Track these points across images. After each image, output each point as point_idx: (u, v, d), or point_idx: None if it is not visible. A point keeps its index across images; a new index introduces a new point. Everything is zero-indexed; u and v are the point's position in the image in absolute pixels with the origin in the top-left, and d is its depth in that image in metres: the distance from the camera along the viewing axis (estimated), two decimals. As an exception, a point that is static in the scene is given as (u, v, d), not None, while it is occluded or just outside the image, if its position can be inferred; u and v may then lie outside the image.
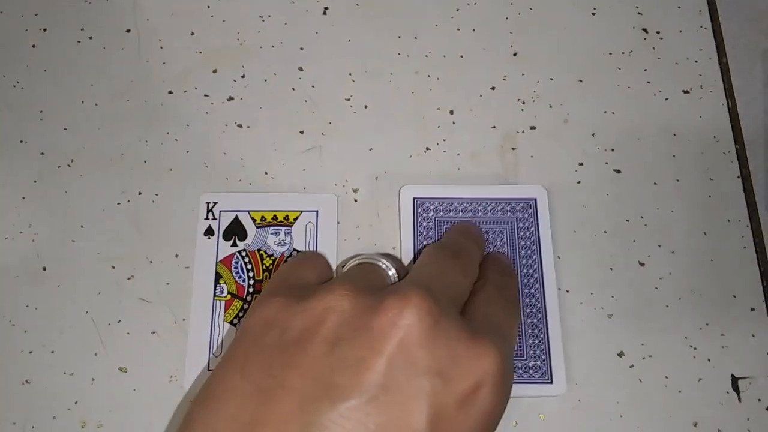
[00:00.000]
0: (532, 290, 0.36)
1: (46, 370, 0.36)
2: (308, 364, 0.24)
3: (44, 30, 0.44)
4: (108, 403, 0.36)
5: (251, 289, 0.38)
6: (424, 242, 0.37)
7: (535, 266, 0.36)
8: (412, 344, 0.24)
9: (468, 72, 0.43)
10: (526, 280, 0.36)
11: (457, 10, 0.45)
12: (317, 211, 0.40)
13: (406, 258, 0.37)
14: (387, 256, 0.34)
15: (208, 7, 0.45)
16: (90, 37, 0.44)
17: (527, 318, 0.36)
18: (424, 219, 0.37)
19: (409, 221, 0.37)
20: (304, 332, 0.25)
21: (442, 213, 0.38)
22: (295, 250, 0.39)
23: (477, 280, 0.32)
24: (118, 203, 0.40)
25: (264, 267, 0.39)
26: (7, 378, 0.36)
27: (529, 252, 0.37)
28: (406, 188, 0.38)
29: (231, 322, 0.37)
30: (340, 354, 0.24)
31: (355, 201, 0.40)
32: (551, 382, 0.35)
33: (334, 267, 0.38)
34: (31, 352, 0.37)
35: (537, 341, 0.35)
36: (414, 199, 0.38)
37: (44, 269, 0.38)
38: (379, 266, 0.32)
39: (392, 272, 0.33)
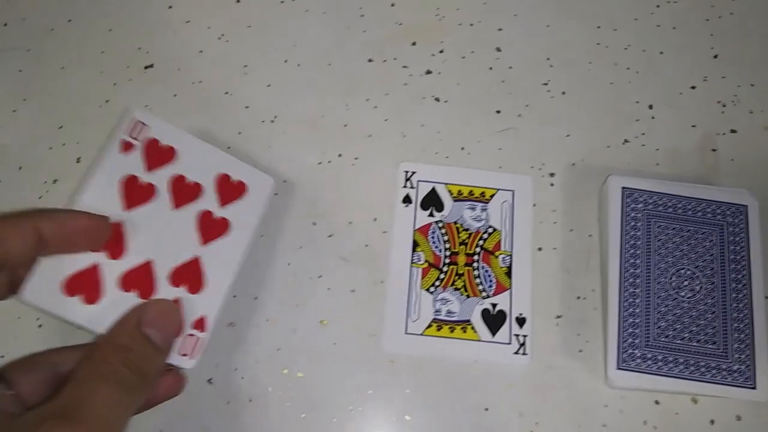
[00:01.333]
0: (740, 296, 0.36)
1: (250, 315, 0.37)
2: None
3: (249, -12, 0.45)
4: (308, 354, 0.37)
5: (447, 260, 0.39)
6: (632, 232, 0.37)
7: (744, 272, 0.36)
8: None
9: (667, 69, 0.43)
10: (734, 285, 0.36)
11: (657, 6, 0.45)
12: (513, 191, 0.40)
13: (614, 248, 0.37)
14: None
15: (409, -20, 0.46)
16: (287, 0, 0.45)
17: (734, 323, 0.35)
18: (632, 210, 0.37)
19: (617, 211, 0.37)
20: None
21: (651, 206, 0.38)
22: (490, 227, 0.40)
23: None
24: (319, 163, 0.41)
25: (460, 240, 0.39)
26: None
27: (738, 257, 0.37)
28: (614, 178, 0.38)
29: (428, 290, 0.38)
30: None
31: (552, 185, 0.40)
32: (755, 388, 0.35)
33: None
34: (235, 296, 0.38)
35: (742, 346, 0.35)
36: (623, 189, 0.38)
37: (254, 218, 0.39)
38: None
39: None
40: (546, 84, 0.43)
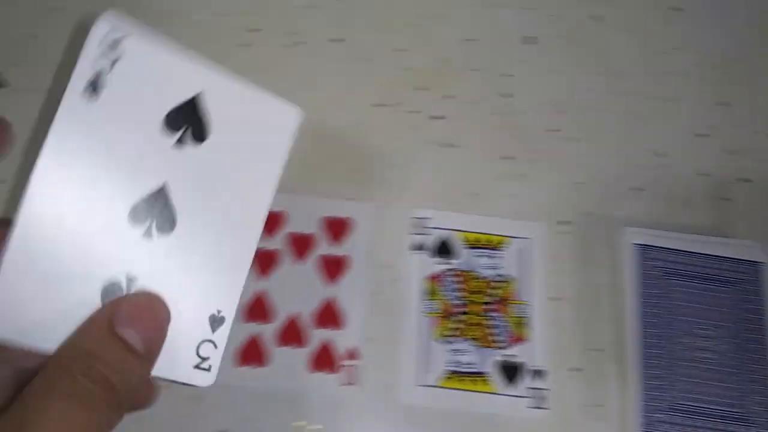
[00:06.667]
0: (756, 356, 0.35)
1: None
2: None
3: (257, 30, 0.45)
4: (324, 405, 0.35)
5: (460, 309, 0.38)
6: (650, 291, 0.36)
7: (761, 332, 0.36)
8: None
9: (677, 116, 0.43)
10: (752, 346, 0.35)
11: (664, 53, 0.45)
12: (527, 239, 0.40)
13: (632, 308, 0.36)
14: None
15: (416, 26, 0.46)
16: (302, 43, 0.45)
17: (753, 384, 0.35)
18: (650, 267, 0.37)
19: (634, 269, 0.37)
20: None
21: (668, 264, 0.37)
22: (504, 275, 0.39)
23: None
24: (328, 208, 0.40)
25: (473, 288, 0.38)
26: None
27: (754, 317, 0.36)
28: (629, 233, 0.38)
29: (441, 339, 0.37)
30: None
31: (564, 233, 0.40)
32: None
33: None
34: (242, 347, 0.36)
35: (762, 409, 0.34)
36: (639, 245, 0.37)
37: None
38: None
39: None
40: (557, 131, 0.43)
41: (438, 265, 0.39)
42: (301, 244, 0.39)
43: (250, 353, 0.36)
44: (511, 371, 0.36)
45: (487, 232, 0.40)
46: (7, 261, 0.20)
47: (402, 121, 0.43)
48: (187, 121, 0.23)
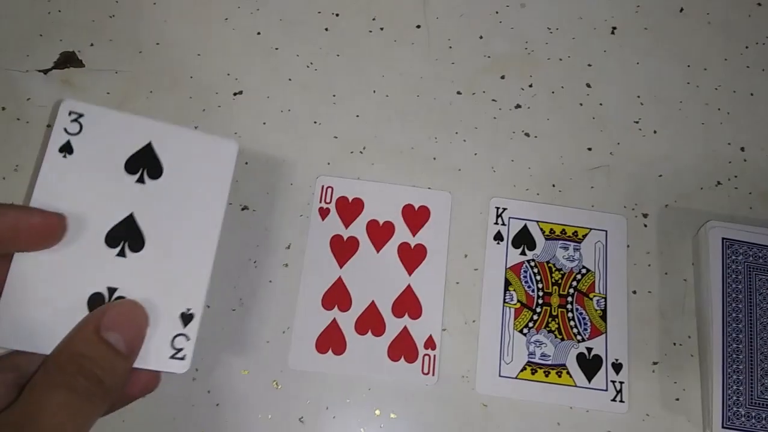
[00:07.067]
0: None
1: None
2: None
3: (337, 15, 0.45)
4: (400, 394, 0.36)
5: (540, 301, 0.38)
6: (733, 285, 0.36)
7: None
8: None
9: (759, 111, 0.43)
10: None
11: (747, 47, 0.45)
12: (606, 231, 0.40)
13: (716, 302, 0.36)
14: None
15: (497, 12, 0.45)
16: (381, 28, 0.45)
17: None
18: (733, 261, 0.37)
19: (718, 263, 0.37)
20: None
21: (752, 258, 0.37)
22: (584, 267, 0.39)
23: None
24: (409, 196, 0.40)
25: (553, 280, 0.39)
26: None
27: None
28: (714, 227, 0.38)
29: (521, 331, 0.38)
30: None
31: (645, 226, 0.40)
32: None
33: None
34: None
35: None
36: (723, 240, 0.37)
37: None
38: None
39: None
40: (637, 122, 0.42)
41: (517, 256, 0.39)
42: (380, 232, 0.39)
43: (329, 341, 0.37)
44: (590, 364, 0.37)
45: (567, 224, 0.40)
46: (9, 284, 0.25)
47: (482, 109, 0.43)
48: (143, 164, 0.28)
